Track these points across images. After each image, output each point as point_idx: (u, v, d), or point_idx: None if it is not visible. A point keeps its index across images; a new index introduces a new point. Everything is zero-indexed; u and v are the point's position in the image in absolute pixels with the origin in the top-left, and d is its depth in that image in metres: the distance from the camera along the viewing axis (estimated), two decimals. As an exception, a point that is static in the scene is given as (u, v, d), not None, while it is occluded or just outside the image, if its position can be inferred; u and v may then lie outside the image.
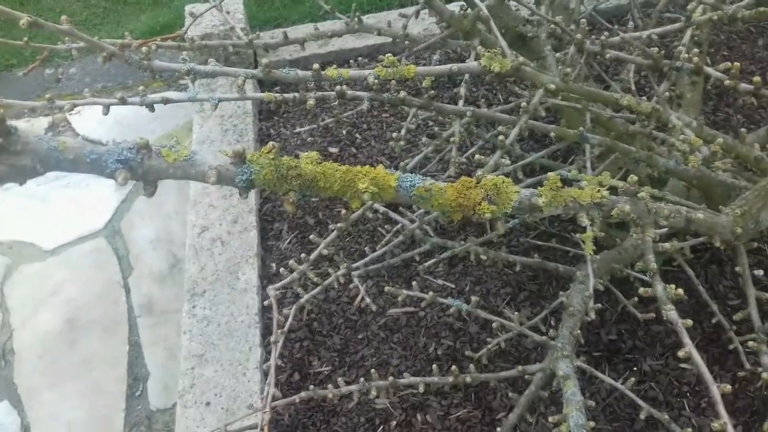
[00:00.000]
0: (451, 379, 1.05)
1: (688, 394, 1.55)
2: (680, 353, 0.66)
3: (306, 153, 0.58)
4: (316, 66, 0.84)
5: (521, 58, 0.85)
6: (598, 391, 1.54)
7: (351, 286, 1.54)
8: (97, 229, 2.21)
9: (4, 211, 2.26)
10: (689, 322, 0.67)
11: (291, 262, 1.19)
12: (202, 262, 1.86)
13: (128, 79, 2.73)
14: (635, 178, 0.75)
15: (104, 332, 1.96)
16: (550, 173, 0.69)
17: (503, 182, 0.64)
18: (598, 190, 0.71)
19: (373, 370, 1.42)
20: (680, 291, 0.71)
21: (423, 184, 0.60)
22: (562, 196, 0.68)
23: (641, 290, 0.74)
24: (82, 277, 2.09)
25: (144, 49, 0.83)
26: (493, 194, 0.63)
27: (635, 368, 1.59)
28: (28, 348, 1.94)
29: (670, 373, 1.58)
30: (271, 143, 0.55)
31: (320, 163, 0.57)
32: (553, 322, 1.65)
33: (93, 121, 2.56)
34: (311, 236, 1.21)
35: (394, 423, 1.52)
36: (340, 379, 1.15)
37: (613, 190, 0.85)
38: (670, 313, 0.69)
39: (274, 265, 1.85)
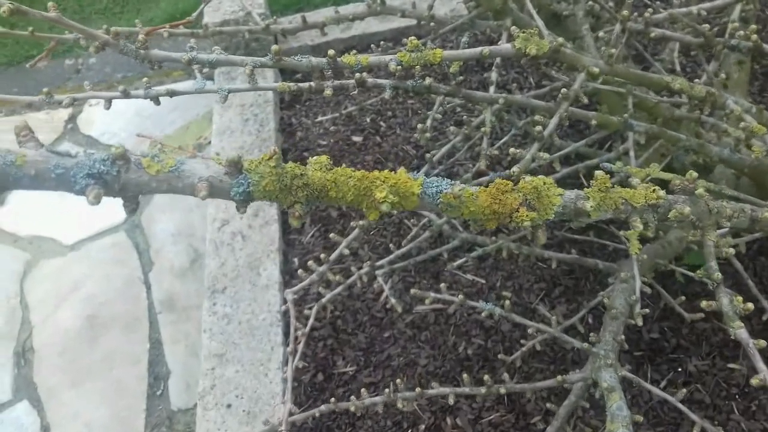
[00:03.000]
0: (483, 390, 0.97)
1: (737, 397, 1.45)
2: (754, 381, 0.57)
3: (314, 158, 0.50)
4: (331, 52, 0.75)
5: (560, 39, 0.76)
6: (639, 393, 1.45)
7: (376, 283, 1.46)
8: (117, 223, 2.16)
9: (24, 206, 2.22)
10: (762, 342, 0.58)
11: (310, 263, 1.12)
12: (222, 258, 1.79)
13: (148, 69, 2.67)
14: (695, 174, 0.65)
15: (125, 329, 1.91)
16: (597, 172, 0.60)
17: (544, 184, 0.55)
18: (653, 190, 0.62)
19: (398, 380, 1.35)
20: (750, 305, 0.62)
21: (451, 190, 0.52)
22: (612, 198, 0.59)
23: (704, 304, 0.64)
24: (103, 272, 2.05)
25: (140, 37, 0.75)
26: (532, 199, 0.54)
27: (680, 369, 1.49)
28: (48, 346, 1.90)
29: (717, 374, 1.48)
30: (272, 148, 0.47)
31: (330, 169, 0.49)
32: (590, 320, 1.55)
33: (113, 113, 2.50)
34: (331, 235, 1.13)
35: (423, 427, 1.45)
36: (363, 390, 1.07)
37: (661, 183, 0.76)
38: (740, 331, 0.59)
39: (296, 260, 1.78)
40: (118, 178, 0.44)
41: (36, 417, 1.77)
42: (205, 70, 0.86)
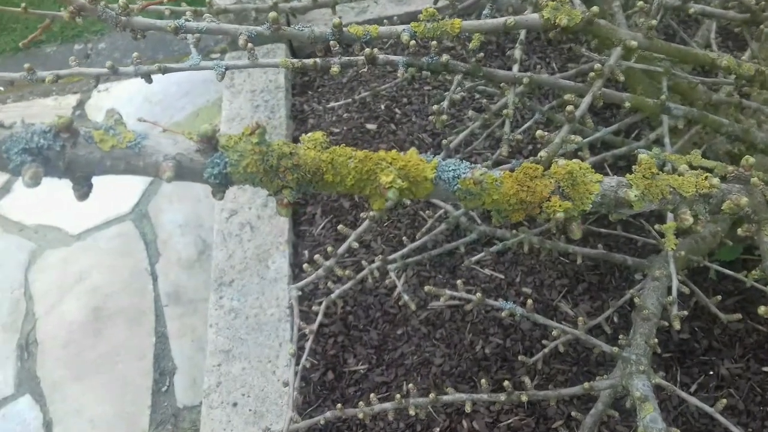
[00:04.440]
0: (503, 397, 0.89)
1: (773, 403, 1.36)
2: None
3: (308, 134, 0.42)
4: (336, 21, 0.67)
5: (595, 8, 0.67)
6: (668, 397, 1.36)
7: (389, 278, 1.38)
8: (124, 213, 2.10)
9: (29, 195, 2.17)
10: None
11: (317, 257, 1.04)
12: (230, 249, 1.72)
13: (158, 53, 2.61)
14: (752, 160, 0.56)
15: (130, 322, 1.85)
16: (641, 155, 0.51)
17: (580, 169, 0.47)
18: (705, 177, 0.53)
19: (410, 384, 1.27)
20: (817, 312, 0.53)
21: (471, 175, 0.43)
22: (659, 186, 0.50)
23: (761, 309, 0.55)
24: (109, 263, 1.99)
25: (121, 2, 0.68)
26: (566, 186, 0.46)
27: (711, 372, 1.40)
28: (52, 338, 1.84)
29: (751, 378, 1.39)
30: (255, 122, 0.39)
31: (326, 148, 0.41)
32: (615, 319, 1.46)
33: (122, 99, 2.45)
34: (339, 227, 1.05)
35: (438, 430, 1.37)
36: (375, 390, 0.99)
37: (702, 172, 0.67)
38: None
39: (306, 252, 1.70)
40: (63, 154, 0.36)
41: (39, 412, 1.72)
42: (215, 55, 0.78)
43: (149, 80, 0.81)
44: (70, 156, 0.36)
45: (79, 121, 2.41)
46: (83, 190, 0.39)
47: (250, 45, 0.75)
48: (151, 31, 0.74)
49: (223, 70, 0.77)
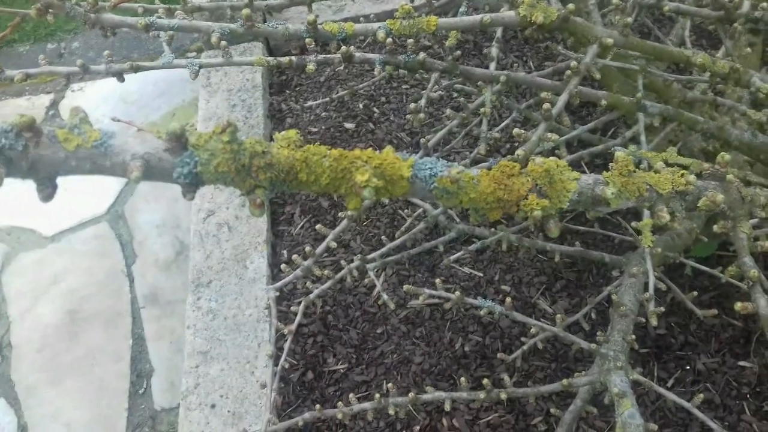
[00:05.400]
0: (482, 395, 0.89)
1: (748, 396, 1.38)
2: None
3: (282, 133, 0.41)
4: (311, 17, 0.67)
5: (571, 5, 0.67)
6: (646, 393, 1.37)
7: (368, 277, 1.38)
8: (100, 214, 2.07)
9: (2, 195, 2.13)
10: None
11: (295, 257, 1.03)
12: (207, 250, 1.71)
13: (133, 52, 2.57)
14: (727, 157, 0.57)
15: (107, 325, 1.82)
16: (618, 153, 0.51)
17: (557, 167, 0.46)
18: (682, 175, 0.53)
19: (389, 384, 1.27)
20: (791, 307, 0.54)
21: (448, 173, 0.43)
22: (636, 183, 0.50)
23: (738, 306, 0.56)
24: (84, 265, 1.96)
25: None
26: (544, 184, 0.46)
27: (688, 367, 1.42)
28: (26, 342, 1.81)
29: (727, 372, 1.41)
30: (226, 119, 0.38)
31: (301, 146, 0.40)
32: (593, 315, 1.47)
33: (96, 99, 2.41)
34: (317, 226, 1.04)
35: (418, 428, 1.37)
36: (354, 390, 0.99)
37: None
38: (781, 338, 0.51)
39: (285, 252, 1.69)
40: (25, 154, 0.35)
41: (13, 416, 1.69)
42: (191, 54, 0.77)
43: (121, 79, 0.80)
44: (33, 156, 0.35)
45: (53, 121, 2.37)
46: (48, 191, 0.38)
47: (223, 43, 0.74)
48: (123, 29, 0.73)
49: (197, 68, 0.76)
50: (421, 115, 0.99)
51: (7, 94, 2.50)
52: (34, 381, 1.75)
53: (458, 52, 0.84)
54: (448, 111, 1.09)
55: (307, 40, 0.75)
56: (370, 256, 1.16)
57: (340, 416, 0.90)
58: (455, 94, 1.86)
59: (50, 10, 0.65)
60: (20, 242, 2.03)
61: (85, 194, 2.09)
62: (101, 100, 2.39)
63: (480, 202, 0.44)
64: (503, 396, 0.90)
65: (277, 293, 0.98)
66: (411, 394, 0.93)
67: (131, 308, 1.85)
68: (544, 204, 0.45)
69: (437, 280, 1.04)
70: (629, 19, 0.75)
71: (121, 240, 2.00)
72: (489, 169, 0.49)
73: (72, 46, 2.66)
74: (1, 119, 0.40)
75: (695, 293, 1.18)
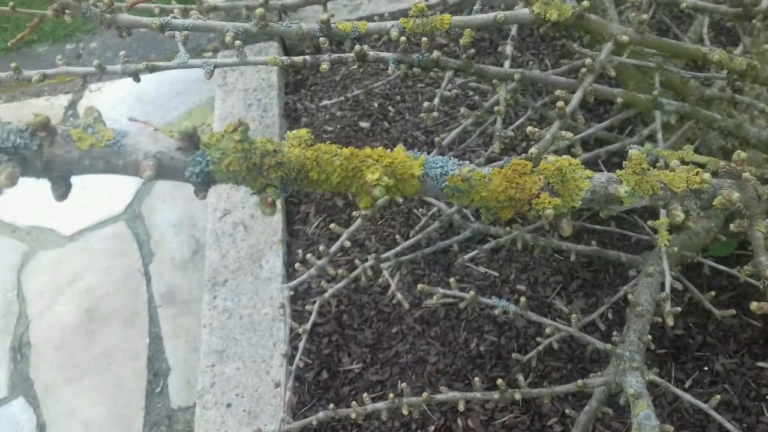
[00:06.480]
0: (497, 395, 0.88)
1: (767, 398, 1.36)
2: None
3: (293, 131, 0.41)
4: (324, 17, 0.67)
5: (585, 2, 0.67)
6: (663, 393, 1.36)
7: (382, 276, 1.38)
8: (117, 213, 2.09)
9: (22, 195, 2.15)
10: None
11: (309, 256, 1.03)
12: (223, 249, 1.72)
13: (150, 52, 2.59)
14: (743, 155, 0.56)
15: (124, 323, 1.84)
16: (632, 151, 0.51)
17: (570, 165, 0.46)
18: (696, 173, 0.52)
19: (404, 384, 1.26)
20: (809, 307, 0.53)
21: (459, 171, 0.43)
22: (649, 181, 0.50)
23: (754, 305, 0.55)
24: (102, 264, 1.98)
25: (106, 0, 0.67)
26: (556, 183, 0.45)
27: (706, 368, 1.40)
28: (45, 340, 1.83)
29: (746, 374, 1.39)
30: (238, 119, 0.38)
31: (312, 145, 0.40)
32: (610, 315, 1.46)
33: (114, 99, 2.43)
34: (332, 225, 1.04)
35: (433, 428, 1.36)
36: (369, 390, 0.99)
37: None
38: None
39: (300, 251, 1.69)
40: (40, 153, 0.36)
41: (32, 414, 1.71)
42: (207, 54, 0.78)
43: (137, 79, 0.81)
44: (47, 155, 0.36)
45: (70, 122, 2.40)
46: (62, 190, 0.38)
47: (238, 42, 0.75)
48: (139, 29, 0.73)
49: (212, 68, 0.77)
50: (435, 114, 0.99)
51: (26, 95, 2.53)
52: (52, 379, 1.76)
53: (472, 51, 0.83)
54: (463, 109, 1.09)
55: (320, 39, 0.75)
56: (384, 255, 1.16)
57: (354, 416, 0.90)
58: (470, 93, 1.86)
59: (66, 11, 0.66)
60: (39, 241, 2.06)
61: (103, 193, 2.11)
62: (119, 100, 2.41)
63: (491, 201, 0.44)
64: (518, 396, 0.90)
65: (292, 292, 0.98)
66: (425, 394, 0.92)
67: (148, 307, 1.86)
68: (556, 203, 0.45)
69: (452, 280, 1.03)
70: (645, 16, 0.74)
71: (138, 239, 2.02)
72: (501, 167, 0.49)
73: (90, 46, 2.69)
74: (19, 119, 0.41)
75: (713, 293, 1.16)
